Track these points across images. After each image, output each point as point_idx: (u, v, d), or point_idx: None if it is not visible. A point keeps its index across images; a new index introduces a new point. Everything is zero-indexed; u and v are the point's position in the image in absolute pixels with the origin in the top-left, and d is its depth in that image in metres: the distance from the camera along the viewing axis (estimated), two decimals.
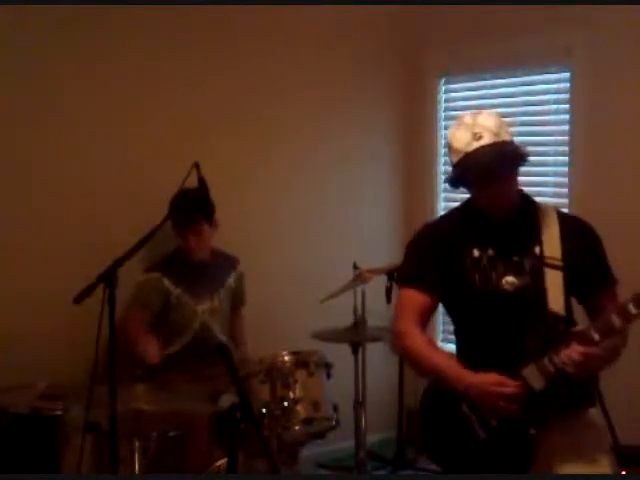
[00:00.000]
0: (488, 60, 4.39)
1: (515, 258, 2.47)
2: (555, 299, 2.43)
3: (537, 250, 2.48)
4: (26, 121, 3.62)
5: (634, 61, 3.71)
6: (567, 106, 4.01)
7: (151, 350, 3.54)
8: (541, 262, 2.46)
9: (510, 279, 2.46)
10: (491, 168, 2.40)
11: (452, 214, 2.71)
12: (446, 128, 4.73)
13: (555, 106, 4.07)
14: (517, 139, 4.40)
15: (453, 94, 4.71)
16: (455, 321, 2.64)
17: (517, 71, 4.29)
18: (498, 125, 2.44)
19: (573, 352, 2.29)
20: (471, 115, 2.48)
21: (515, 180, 2.50)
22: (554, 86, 4.14)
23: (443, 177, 4.75)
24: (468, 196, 2.61)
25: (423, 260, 2.57)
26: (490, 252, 2.49)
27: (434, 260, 2.53)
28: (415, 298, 2.54)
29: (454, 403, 2.45)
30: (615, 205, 3.77)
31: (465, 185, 2.51)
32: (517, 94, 4.32)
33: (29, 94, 3.62)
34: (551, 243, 2.48)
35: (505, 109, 4.37)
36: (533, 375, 2.35)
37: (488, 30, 4.26)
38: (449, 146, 2.51)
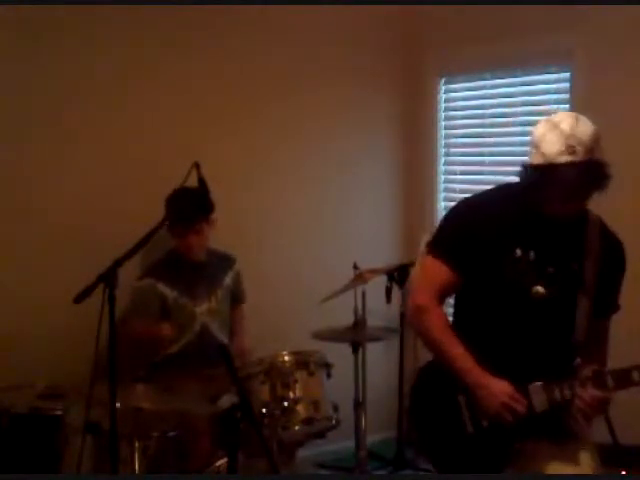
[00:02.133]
0: (488, 60, 4.39)
1: (550, 269, 2.41)
2: (581, 329, 2.40)
3: (575, 267, 2.42)
4: (26, 121, 3.62)
5: (634, 61, 3.71)
6: (567, 106, 4.01)
7: (164, 326, 3.55)
8: (575, 281, 2.41)
9: (540, 289, 2.41)
10: (577, 189, 2.31)
11: (505, 198, 2.51)
12: (446, 128, 4.74)
13: (555, 106, 4.07)
14: (517, 139, 4.45)
15: (453, 94, 4.71)
16: (469, 311, 2.55)
17: (517, 71, 4.29)
18: (594, 140, 2.30)
19: (589, 396, 2.30)
20: (568, 120, 2.31)
21: (587, 199, 2.40)
22: (554, 86, 4.14)
23: (443, 177, 4.77)
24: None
25: (463, 236, 2.44)
26: (531, 255, 2.40)
27: (474, 242, 2.42)
28: (442, 272, 2.45)
29: (450, 389, 2.45)
30: (615, 205, 3.75)
31: (538, 191, 2.36)
32: (517, 94, 4.32)
33: (29, 94, 3.62)
34: (590, 264, 2.41)
35: (505, 109, 4.38)
36: (538, 395, 2.36)
37: (488, 30, 4.26)
38: (534, 143, 2.34)
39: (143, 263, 3.75)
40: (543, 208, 2.38)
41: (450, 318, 2.58)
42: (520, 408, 2.34)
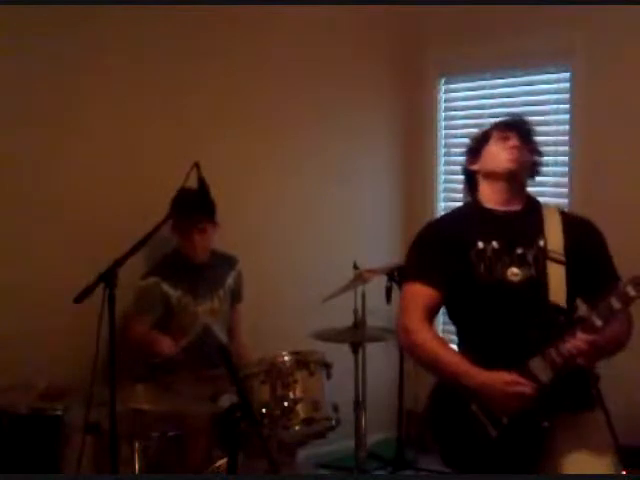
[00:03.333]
0: (488, 60, 4.39)
1: (519, 250, 2.49)
2: (556, 291, 2.44)
3: (541, 243, 2.50)
4: (26, 121, 3.62)
5: (634, 61, 3.71)
6: (567, 106, 4.01)
7: (165, 342, 3.55)
8: (544, 255, 2.48)
9: (515, 270, 2.47)
10: (516, 120, 2.62)
11: (454, 212, 2.76)
12: (446, 128, 4.74)
13: (555, 106, 4.07)
14: None
15: (453, 94, 4.71)
16: (458, 318, 2.61)
17: (517, 71, 4.29)
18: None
19: (579, 341, 2.30)
20: None
21: (527, 162, 2.59)
22: (554, 86, 4.14)
23: (443, 177, 4.77)
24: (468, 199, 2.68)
25: (428, 255, 2.56)
26: (494, 244, 2.49)
27: (439, 255, 2.52)
28: (421, 293, 2.52)
29: (462, 403, 2.45)
30: (615, 205, 3.77)
31: (483, 144, 2.61)
32: (517, 94, 4.32)
33: (29, 94, 3.61)
34: (554, 237, 2.50)
35: (505, 109, 4.38)
36: (540, 368, 2.36)
37: (488, 30, 4.26)
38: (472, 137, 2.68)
39: (148, 263, 3.76)
40: (489, 207, 2.57)
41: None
42: (526, 389, 2.34)
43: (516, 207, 2.57)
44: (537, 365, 2.36)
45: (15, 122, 3.60)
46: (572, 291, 2.46)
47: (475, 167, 2.63)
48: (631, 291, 2.22)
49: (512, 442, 2.41)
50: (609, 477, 2.46)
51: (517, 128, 2.59)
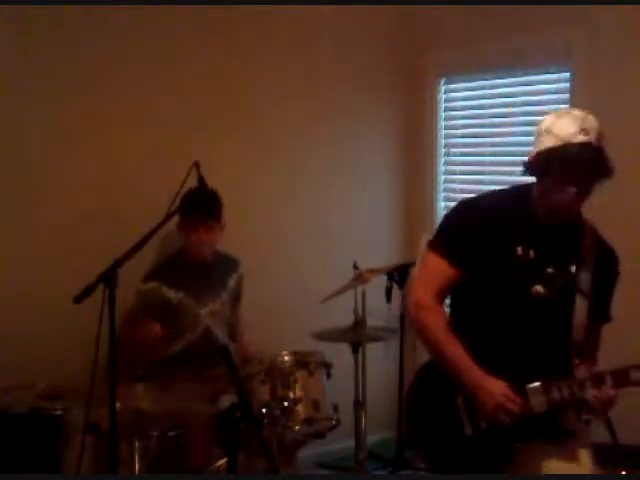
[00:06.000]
0: (488, 60, 4.39)
1: (550, 269, 2.42)
2: (579, 328, 2.41)
3: (573, 269, 2.43)
4: (26, 121, 3.62)
5: (634, 61, 3.71)
6: (567, 106, 4.01)
7: (154, 327, 3.55)
8: (574, 283, 2.42)
9: (539, 289, 2.41)
10: (589, 166, 2.29)
11: (504, 199, 2.54)
12: (446, 128, 4.74)
13: (555, 106, 4.07)
14: (517, 139, 4.45)
15: (453, 94, 4.71)
16: (468, 311, 2.54)
17: (517, 71, 4.29)
18: (603, 133, 2.35)
19: (604, 394, 2.30)
20: (577, 109, 2.39)
21: (592, 192, 2.38)
22: (554, 86, 4.14)
23: (443, 177, 4.77)
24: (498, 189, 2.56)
25: (464, 234, 2.46)
26: (531, 254, 2.41)
27: (475, 239, 2.43)
28: (443, 269, 2.45)
29: (448, 390, 2.44)
30: (615, 205, 3.76)
31: (544, 174, 2.36)
32: (517, 94, 4.32)
33: (29, 94, 3.61)
34: (586, 267, 2.42)
35: (505, 109, 4.38)
36: (536, 396, 2.35)
37: (488, 30, 4.26)
38: (544, 129, 2.35)
39: (152, 264, 3.77)
40: (539, 213, 2.42)
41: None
42: (515, 409, 2.33)
43: (564, 222, 2.44)
44: (534, 393, 2.36)
45: (15, 122, 3.60)
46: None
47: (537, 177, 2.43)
48: None
49: (483, 447, 2.41)
50: (609, 477, 2.46)
51: (580, 174, 2.32)
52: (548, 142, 2.33)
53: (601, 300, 2.47)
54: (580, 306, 2.41)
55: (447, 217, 2.56)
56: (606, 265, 2.47)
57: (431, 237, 2.56)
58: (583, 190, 2.35)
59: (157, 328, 3.55)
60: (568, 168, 2.29)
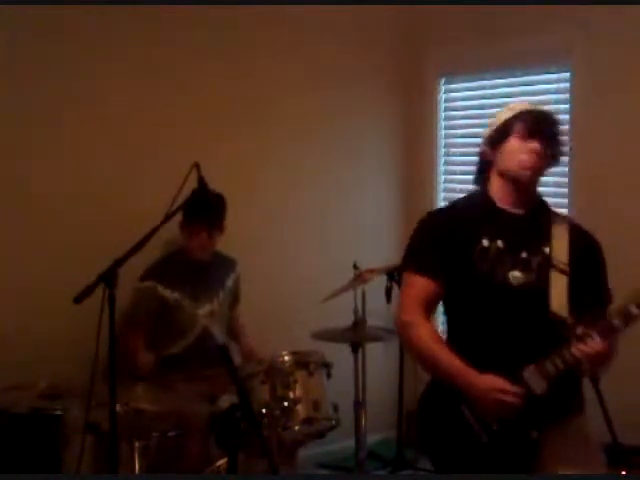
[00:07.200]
0: (488, 60, 4.39)
1: (523, 254, 2.43)
2: (558, 301, 2.40)
3: (547, 250, 2.45)
4: (26, 121, 3.62)
5: (634, 61, 3.71)
6: (567, 106, 4.01)
7: (145, 357, 3.58)
8: (549, 263, 2.43)
9: (517, 274, 2.42)
10: (547, 123, 2.45)
11: (460, 202, 2.64)
12: (446, 128, 4.74)
13: (555, 106, 4.07)
14: None
15: (453, 94, 4.71)
16: (454, 315, 2.56)
17: (517, 71, 4.29)
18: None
19: (587, 347, 2.28)
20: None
21: (544, 168, 2.49)
22: (554, 86, 4.14)
23: (443, 177, 4.77)
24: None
25: (429, 246, 2.49)
26: (499, 244, 2.43)
27: (441, 247, 2.45)
28: (420, 285, 2.47)
29: (455, 405, 2.42)
30: (615, 205, 3.77)
31: (506, 136, 2.45)
32: (517, 94, 4.31)
33: (29, 94, 3.61)
34: (560, 246, 2.45)
35: None
36: (534, 378, 2.33)
37: (488, 30, 4.26)
38: (495, 123, 2.50)
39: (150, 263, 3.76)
40: (496, 203, 2.50)
41: (443, 334, 2.59)
42: (514, 399, 2.31)
43: (525, 209, 2.50)
44: (531, 375, 2.34)
45: (15, 122, 3.60)
46: (572, 303, 2.42)
47: (491, 159, 2.53)
48: (634, 310, 2.22)
49: (502, 449, 2.37)
50: (609, 477, 2.45)
51: (543, 130, 2.45)
52: (505, 116, 2.49)
53: (589, 279, 2.47)
54: (559, 282, 2.41)
55: (413, 233, 2.59)
56: (583, 244, 2.49)
57: (403, 257, 2.59)
58: (543, 148, 2.42)
59: (148, 357, 3.59)
60: (528, 122, 2.42)
